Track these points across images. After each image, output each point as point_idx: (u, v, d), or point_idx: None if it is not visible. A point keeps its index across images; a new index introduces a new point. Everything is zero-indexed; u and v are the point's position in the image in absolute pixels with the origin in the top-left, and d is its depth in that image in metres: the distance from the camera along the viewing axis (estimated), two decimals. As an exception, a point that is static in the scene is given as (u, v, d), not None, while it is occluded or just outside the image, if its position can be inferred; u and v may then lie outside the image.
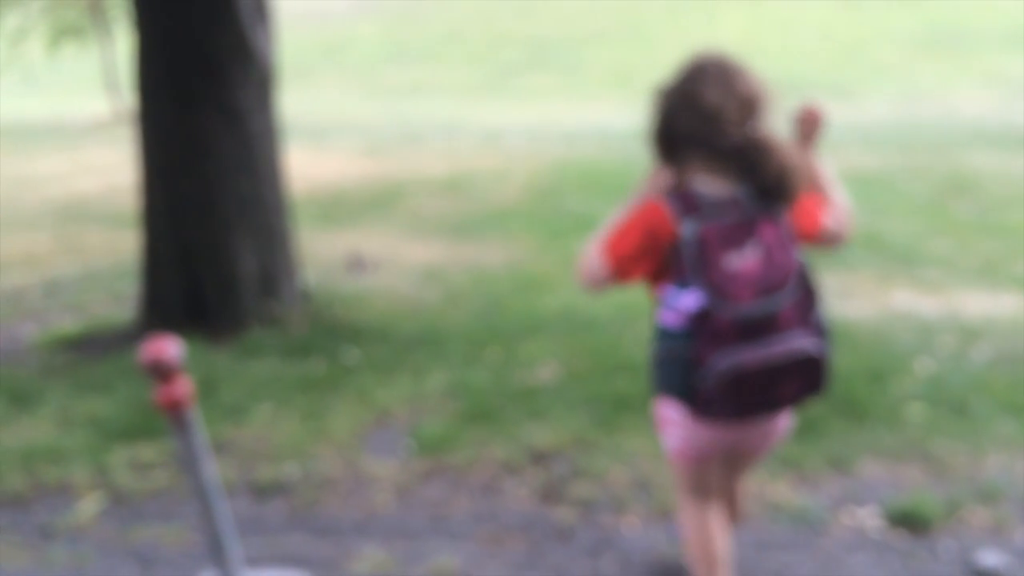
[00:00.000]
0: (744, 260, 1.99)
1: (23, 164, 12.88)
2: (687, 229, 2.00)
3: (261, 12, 4.91)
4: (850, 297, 5.73)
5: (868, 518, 2.98)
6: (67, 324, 5.43)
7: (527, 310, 5.45)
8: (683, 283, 2.01)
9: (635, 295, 5.07)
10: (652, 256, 2.07)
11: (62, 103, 22.08)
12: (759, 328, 1.99)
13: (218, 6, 4.57)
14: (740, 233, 2.02)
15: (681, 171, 2.13)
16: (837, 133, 14.30)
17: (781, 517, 2.98)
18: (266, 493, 3.23)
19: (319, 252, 7.39)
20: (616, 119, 17.11)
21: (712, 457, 2.28)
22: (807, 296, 2.09)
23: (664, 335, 2.09)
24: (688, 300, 2.00)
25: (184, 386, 1.83)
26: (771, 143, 2.06)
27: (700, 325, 2.00)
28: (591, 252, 2.15)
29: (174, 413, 1.85)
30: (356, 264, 6.70)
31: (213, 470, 1.94)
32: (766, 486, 3.16)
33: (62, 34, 18.01)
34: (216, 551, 1.96)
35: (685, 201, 2.05)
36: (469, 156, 12.70)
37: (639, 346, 4.58)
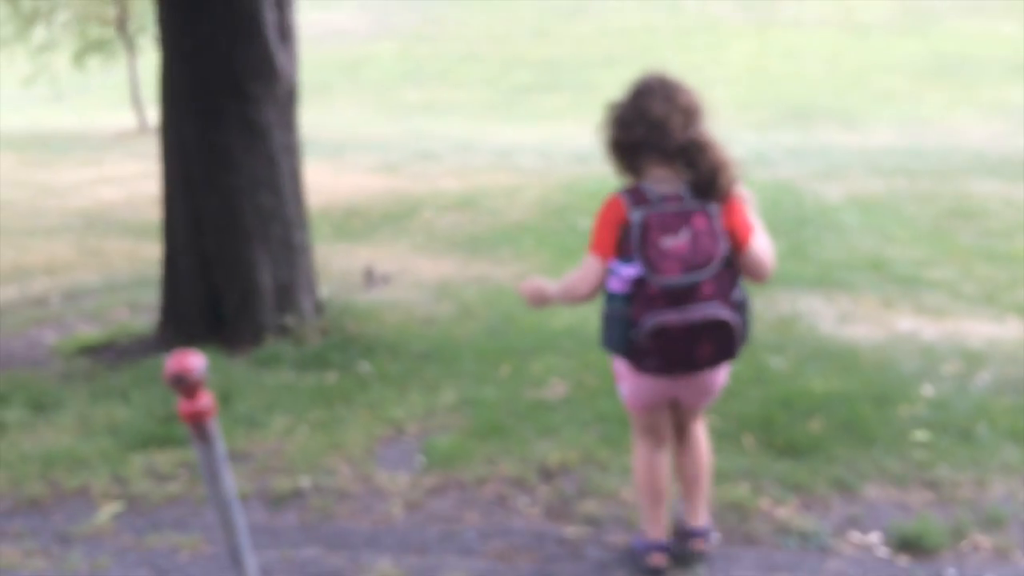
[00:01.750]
0: (676, 242, 2.43)
1: (48, 174, 12.95)
2: (635, 216, 2.45)
3: (284, 31, 4.93)
4: (855, 321, 5.70)
5: (873, 542, 2.94)
6: (87, 331, 5.44)
7: (537, 327, 5.43)
8: (628, 258, 2.45)
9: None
10: (613, 236, 2.50)
11: (88, 116, 22.23)
12: (682, 296, 2.42)
13: (244, 25, 4.59)
14: (676, 221, 2.44)
15: (635, 172, 2.56)
16: (843, 159, 14.37)
17: (787, 540, 2.95)
18: (280, 504, 3.22)
19: (334, 266, 7.39)
20: (626, 141, 17.10)
21: (657, 405, 2.71)
22: (728, 276, 2.50)
23: (611, 298, 2.51)
24: (629, 271, 2.44)
25: (207, 399, 1.82)
26: (708, 142, 2.46)
27: (637, 291, 2.44)
28: (583, 261, 2.56)
29: (196, 425, 1.84)
30: (368, 278, 6.70)
31: (231, 481, 1.93)
32: (773, 508, 3.14)
33: (89, 48, 18.12)
34: (234, 562, 1.94)
35: (636, 195, 2.49)
36: (482, 174, 12.72)
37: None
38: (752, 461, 3.47)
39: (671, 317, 2.41)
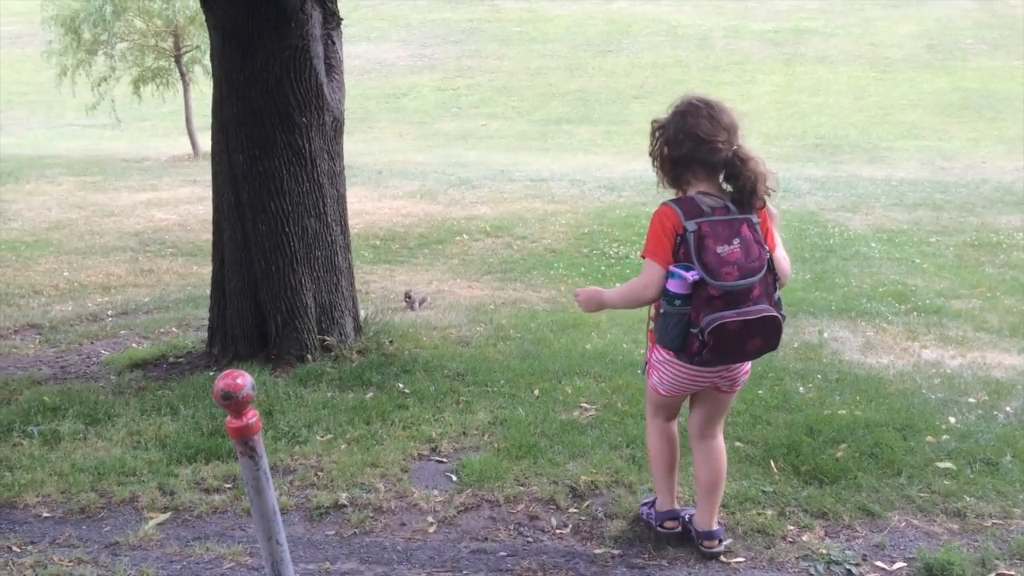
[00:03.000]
0: (731, 249, 2.62)
1: (105, 197, 13.19)
2: (690, 225, 2.61)
3: (331, 64, 5.00)
4: (879, 350, 5.62)
5: (899, 571, 2.88)
6: (139, 347, 5.51)
7: (569, 350, 5.41)
8: (685, 264, 2.61)
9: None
10: (671, 244, 2.64)
11: (144, 142, 22.64)
12: (739, 298, 2.61)
13: (294, 58, 4.65)
14: (727, 231, 2.63)
15: (681, 185, 2.74)
16: (868, 191, 14.24)
17: (812, 566, 2.89)
18: (319, 518, 3.22)
19: (373, 287, 7.44)
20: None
21: (690, 392, 2.89)
22: (772, 280, 2.70)
23: (671, 298, 2.65)
24: (691, 275, 2.59)
25: (254, 417, 1.83)
26: (749, 156, 2.67)
27: (696, 293, 2.61)
28: (645, 268, 2.69)
29: (243, 442, 1.85)
30: (408, 301, 6.73)
31: (274, 496, 1.93)
32: (798, 534, 3.08)
33: (145, 77, 18.47)
34: (275, 574, 1.94)
35: (688, 206, 2.65)
36: (516, 201, 12.76)
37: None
38: (778, 487, 3.41)
39: (730, 315, 2.59)
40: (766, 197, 2.69)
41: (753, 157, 2.67)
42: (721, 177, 2.71)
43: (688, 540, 3.00)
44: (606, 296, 2.88)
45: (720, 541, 2.95)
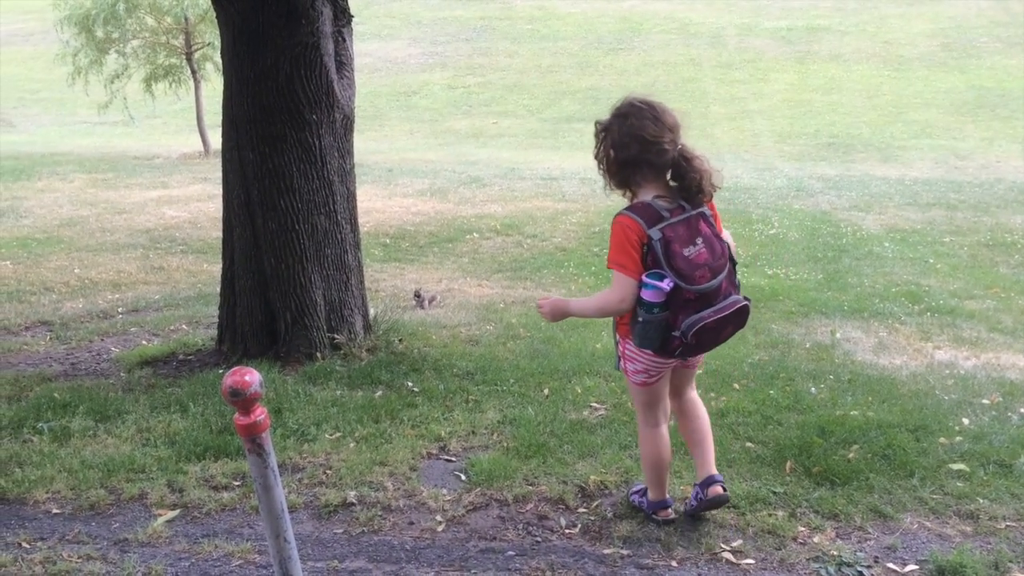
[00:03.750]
0: (697, 251, 2.69)
1: (116, 194, 13.25)
2: (654, 233, 2.66)
3: (342, 61, 5.00)
4: (892, 351, 5.59)
5: (910, 573, 2.86)
6: (149, 344, 5.53)
7: (579, 349, 5.40)
8: (655, 272, 2.67)
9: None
10: (638, 254, 2.70)
11: (155, 140, 22.74)
12: (711, 296, 2.73)
13: (305, 55, 4.66)
14: (689, 232, 2.70)
15: (628, 187, 2.80)
16: (881, 191, 14.21)
17: (823, 567, 2.87)
18: (328, 516, 3.22)
19: (383, 285, 7.44)
20: (667, 169, 17.03)
21: (663, 376, 2.97)
22: (733, 268, 2.82)
23: (649, 306, 2.70)
24: (664, 284, 2.66)
25: (262, 414, 1.83)
26: (693, 153, 2.74)
27: (672, 298, 2.68)
28: (613, 284, 2.73)
29: (251, 439, 1.85)
30: (418, 300, 6.73)
31: (282, 493, 1.93)
32: (809, 536, 3.06)
33: (157, 75, 18.54)
34: (283, 572, 1.94)
35: (647, 213, 2.70)
36: (527, 199, 12.75)
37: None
38: (789, 488, 3.39)
39: (709, 315, 2.70)
40: (712, 192, 2.79)
41: (697, 155, 2.75)
42: (668, 176, 2.78)
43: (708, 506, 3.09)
44: (573, 306, 2.92)
45: (722, 484, 3.06)
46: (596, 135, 2.80)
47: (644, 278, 2.68)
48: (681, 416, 3.17)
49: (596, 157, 2.82)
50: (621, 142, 2.74)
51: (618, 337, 2.97)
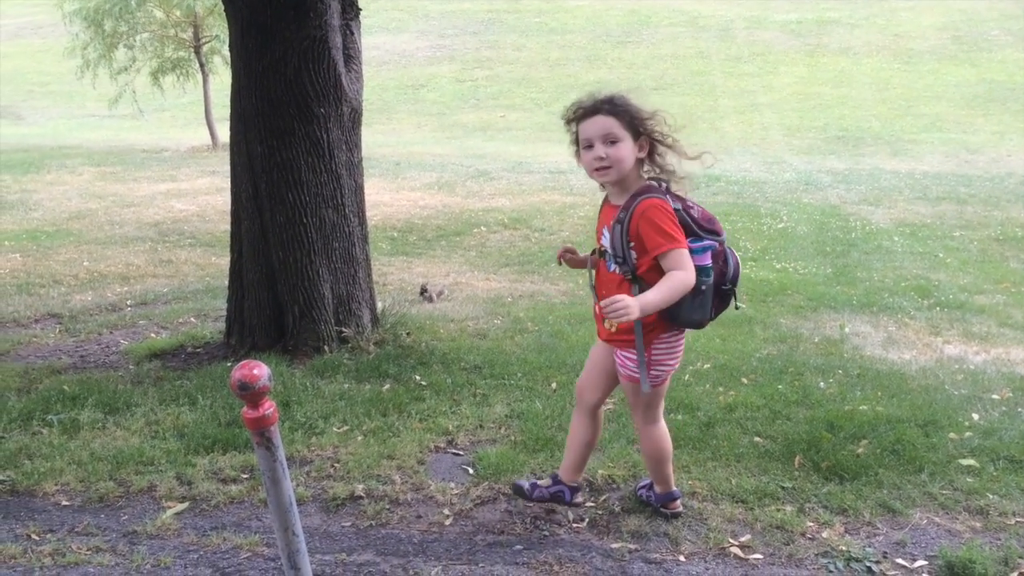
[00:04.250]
0: (700, 210, 2.79)
1: (125, 187, 13.28)
2: (677, 205, 2.74)
3: (351, 54, 4.99)
4: (901, 346, 5.57)
5: (920, 569, 2.85)
6: (157, 337, 5.54)
7: (586, 343, 5.38)
8: (698, 238, 2.74)
9: (692, 333, 4.99)
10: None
11: (164, 133, 22.78)
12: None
13: (313, 48, 4.65)
14: (684, 200, 2.79)
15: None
16: (891, 184, 14.15)
17: (832, 563, 2.87)
18: (336, 509, 3.22)
19: (391, 279, 7.45)
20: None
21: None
22: None
23: (706, 271, 2.73)
24: (708, 243, 2.74)
25: (270, 408, 1.83)
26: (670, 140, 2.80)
27: (715, 257, 2.78)
28: (681, 262, 2.67)
29: (259, 432, 1.85)
30: (424, 294, 6.73)
31: (291, 487, 1.93)
32: (818, 531, 3.06)
33: (165, 68, 18.56)
34: (291, 564, 1.95)
35: (660, 191, 2.76)
36: (534, 193, 12.74)
37: (697, 386, 4.51)
38: (797, 483, 3.39)
39: (734, 257, 2.86)
40: None
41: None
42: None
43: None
44: (650, 301, 2.62)
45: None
46: (645, 119, 2.74)
47: (691, 245, 2.71)
48: (594, 423, 3.16)
49: (664, 141, 2.76)
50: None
51: (643, 346, 2.81)
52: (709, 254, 2.75)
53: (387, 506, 3.23)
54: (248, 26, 4.68)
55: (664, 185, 2.79)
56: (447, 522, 3.14)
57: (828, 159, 17.82)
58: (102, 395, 4.27)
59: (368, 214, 5.33)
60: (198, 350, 5.19)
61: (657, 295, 2.63)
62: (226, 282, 5.29)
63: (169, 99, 21.66)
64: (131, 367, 4.89)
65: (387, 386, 4.47)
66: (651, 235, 2.67)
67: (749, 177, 14.37)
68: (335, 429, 3.92)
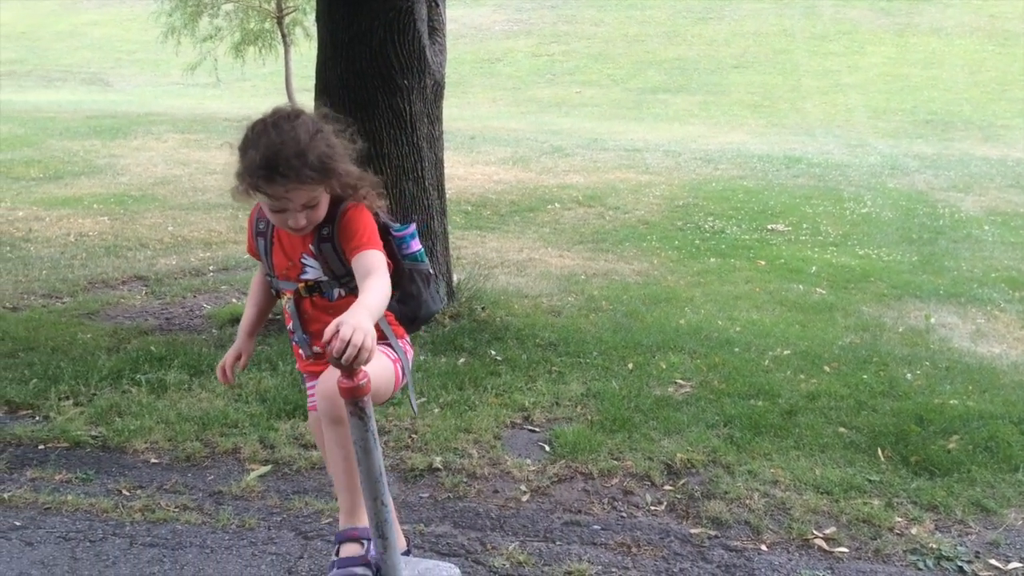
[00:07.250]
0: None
1: (207, 154, 13.57)
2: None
3: (435, 26, 4.98)
4: (991, 339, 5.37)
5: (1015, 571, 2.74)
6: (238, 303, 5.65)
7: (662, 324, 5.33)
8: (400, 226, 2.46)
9: (771, 319, 4.88)
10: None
11: (243, 102, 23.20)
12: None
13: (399, 19, 4.64)
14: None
15: None
16: (982, 171, 13.63)
17: (922, 561, 2.78)
18: (414, 480, 3.25)
19: (464, 253, 7.46)
20: (755, 143, 16.65)
21: None
22: None
23: (413, 258, 2.55)
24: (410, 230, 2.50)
25: (365, 378, 1.83)
26: None
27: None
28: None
29: (354, 403, 1.86)
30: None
31: (381, 458, 1.95)
32: (907, 527, 2.96)
33: (247, 39, 18.87)
34: (379, 533, 1.96)
35: None
36: (610, 171, 12.61)
37: (777, 372, 4.41)
38: (885, 476, 3.29)
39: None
40: None
41: None
42: None
43: None
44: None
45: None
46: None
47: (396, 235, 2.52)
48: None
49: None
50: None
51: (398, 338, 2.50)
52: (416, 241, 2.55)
53: (464, 479, 3.25)
54: (336, -3, 4.69)
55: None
56: (524, 498, 3.14)
57: (915, 143, 17.24)
58: (187, 357, 4.37)
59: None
60: (277, 316, 5.26)
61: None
62: (307, 251, 5.35)
63: (249, 69, 22.02)
64: (214, 331, 5.00)
65: (463, 360, 4.48)
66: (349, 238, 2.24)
67: (831, 160, 13.97)
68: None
